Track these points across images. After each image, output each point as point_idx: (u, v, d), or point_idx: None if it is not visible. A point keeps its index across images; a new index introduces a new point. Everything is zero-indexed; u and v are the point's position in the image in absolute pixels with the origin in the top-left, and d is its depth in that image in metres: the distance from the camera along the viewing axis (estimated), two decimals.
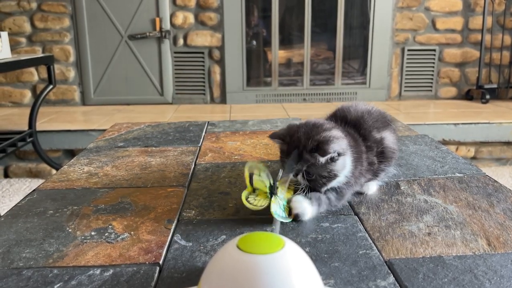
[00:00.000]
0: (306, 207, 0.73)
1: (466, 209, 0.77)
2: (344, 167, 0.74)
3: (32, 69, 3.78)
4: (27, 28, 3.73)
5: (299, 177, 0.73)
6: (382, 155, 0.83)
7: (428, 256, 0.62)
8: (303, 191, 0.74)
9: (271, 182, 0.74)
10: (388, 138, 0.84)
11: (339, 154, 0.72)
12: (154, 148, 1.19)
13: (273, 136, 0.79)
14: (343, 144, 0.73)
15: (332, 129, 0.75)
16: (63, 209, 0.80)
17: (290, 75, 4.04)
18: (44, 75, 3.74)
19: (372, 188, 0.85)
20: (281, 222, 0.71)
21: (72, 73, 3.81)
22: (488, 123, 3.13)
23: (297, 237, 0.68)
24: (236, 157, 1.10)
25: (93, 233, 0.71)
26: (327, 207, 0.76)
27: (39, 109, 2.94)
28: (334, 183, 0.75)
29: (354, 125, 0.82)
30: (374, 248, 0.65)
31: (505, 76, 3.89)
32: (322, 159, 0.72)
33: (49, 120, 3.33)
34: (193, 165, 1.04)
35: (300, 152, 0.73)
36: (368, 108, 0.86)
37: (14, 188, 2.84)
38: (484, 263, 0.60)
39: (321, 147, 0.71)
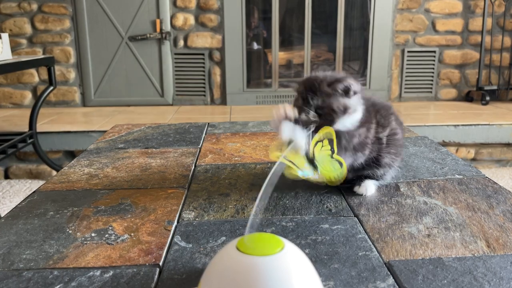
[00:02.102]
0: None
1: (466, 211, 0.77)
2: (355, 109, 0.78)
3: (33, 71, 3.78)
4: (28, 29, 3.74)
5: (311, 114, 0.76)
6: (391, 143, 0.85)
7: (427, 257, 0.63)
8: (312, 130, 0.77)
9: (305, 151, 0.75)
10: (400, 132, 0.87)
11: (354, 93, 0.77)
12: (154, 149, 1.20)
13: (293, 82, 0.82)
14: (357, 85, 0.78)
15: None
16: (64, 210, 0.80)
17: (290, 77, 4.04)
18: (45, 76, 3.75)
19: (370, 189, 0.85)
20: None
21: (72, 74, 3.82)
22: (488, 124, 3.13)
23: (297, 239, 0.68)
24: (236, 158, 1.10)
25: (93, 235, 0.71)
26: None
27: (40, 110, 2.94)
28: (345, 121, 0.78)
29: (369, 101, 0.85)
30: (374, 249, 0.65)
31: (505, 77, 3.89)
32: (340, 85, 0.76)
33: (49, 121, 3.33)
34: (193, 167, 1.04)
35: (318, 86, 0.77)
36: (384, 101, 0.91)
37: (14, 189, 2.84)
38: (483, 265, 0.60)
39: (339, 79, 0.77)
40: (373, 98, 0.88)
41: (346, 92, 0.77)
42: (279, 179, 0.97)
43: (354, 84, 0.77)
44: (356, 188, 0.86)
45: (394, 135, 0.86)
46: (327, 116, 0.77)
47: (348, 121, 0.78)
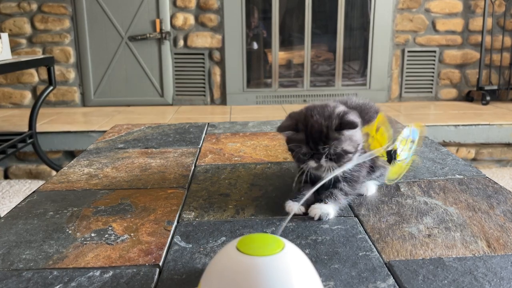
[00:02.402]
0: (328, 209, 0.75)
1: (466, 211, 0.77)
2: (361, 138, 0.76)
3: (33, 71, 3.78)
4: (28, 29, 3.74)
5: (323, 160, 0.73)
6: None
7: (428, 257, 0.62)
8: (327, 171, 0.74)
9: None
10: None
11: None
12: (154, 149, 1.19)
13: (283, 129, 0.76)
14: (356, 116, 0.75)
15: (339, 105, 0.77)
16: (63, 210, 0.80)
17: (290, 77, 4.04)
18: (45, 76, 3.74)
19: (371, 189, 0.85)
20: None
21: (72, 74, 3.81)
22: (489, 124, 3.13)
23: (297, 239, 0.68)
24: (236, 158, 1.10)
25: (93, 235, 0.71)
26: (345, 199, 0.78)
27: (39, 110, 2.94)
28: (354, 159, 0.75)
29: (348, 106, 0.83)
30: (374, 249, 0.65)
31: (505, 77, 3.89)
32: (353, 131, 0.73)
33: (49, 121, 3.33)
34: (193, 167, 1.04)
35: (325, 133, 0.72)
36: (365, 101, 0.88)
37: (14, 190, 2.84)
38: (484, 265, 0.60)
39: (347, 121, 0.72)
40: (350, 100, 0.85)
41: (353, 128, 0.73)
42: (279, 179, 0.97)
43: (355, 117, 0.74)
44: None
45: None
46: (341, 158, 0.73)
47: (357, 155, 0.76)
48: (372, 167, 0.83)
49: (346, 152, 0.73)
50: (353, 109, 0.82)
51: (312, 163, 0.74)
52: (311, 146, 0.73)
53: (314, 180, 0.78)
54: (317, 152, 0.73)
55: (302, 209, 0.77)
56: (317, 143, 0.72)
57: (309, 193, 0.68)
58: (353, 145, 0.74)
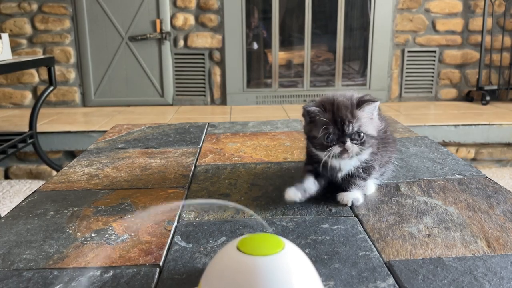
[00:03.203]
0: (357, 194, 0.79)
1: (466, 211, 0.77)
2: (379, 124, 0.79)
3: (33, 71, 3.78)
4: (28, 29, 3.74)
5: (348, 143, 0.74)
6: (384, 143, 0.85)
7: (428, 257, 0.62)
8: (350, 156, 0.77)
9: None
10: (384, 125, 0.86)
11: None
12: (154, 149, 1.20)
13: (311, 106, 0.76)
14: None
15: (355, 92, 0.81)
16: (64, 210, 0.80)
17: (290, 77, 4.04)
18: (45, 76, 3.74)
19: (370, 188, 0.85)
20: None
21: (72, 75, 3.82)
22: (488, 124, 3.13)
23: (297, 239, 0.68)
24: (236, 158, 1.10)
25: (93, 235, 0.71)
26: (365, 184, 0.83)
27: (40, 111, 2.94)
28: (371, 145, 0.77)
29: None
30: (374, 249, 0.65)
31: (505, 77, 3.89)
32: (374, 104, 0.75)
33: (49, 121, 3.33)
34: (193, 167, 1.04)
35: (350, 111, 0.74)
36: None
37: (14, 190, 2.84)
38: (483, 265, 0.60)
39: (367, 98, 0.75)
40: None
41: (374, 102, 0.76)
42: (279, 179, 0.97)
43: (373, 97, 0.77)
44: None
45: (384, 132, 0.85)
46: (364, 143, 0.75)
47: (369, 149, 0.79)
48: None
49: (369, 136, 0.76)
50: None
51: (337, 149, 0.74)
52: (339, 126, 0.73)
53: (328, 177, 0.81)
54: (342, 135, 0.74)
55: (299, 195, 0.78)
56: (344, 123, 0.73)
57: None
58: (374, 129, 0.76)
